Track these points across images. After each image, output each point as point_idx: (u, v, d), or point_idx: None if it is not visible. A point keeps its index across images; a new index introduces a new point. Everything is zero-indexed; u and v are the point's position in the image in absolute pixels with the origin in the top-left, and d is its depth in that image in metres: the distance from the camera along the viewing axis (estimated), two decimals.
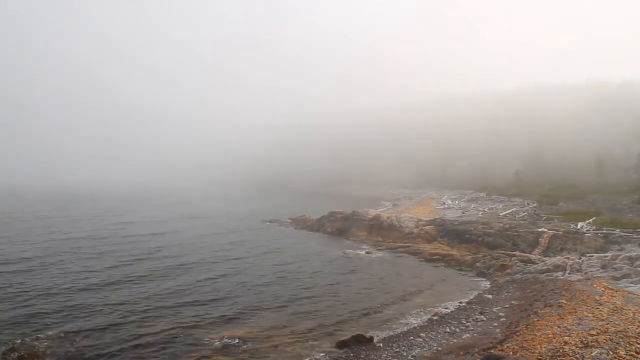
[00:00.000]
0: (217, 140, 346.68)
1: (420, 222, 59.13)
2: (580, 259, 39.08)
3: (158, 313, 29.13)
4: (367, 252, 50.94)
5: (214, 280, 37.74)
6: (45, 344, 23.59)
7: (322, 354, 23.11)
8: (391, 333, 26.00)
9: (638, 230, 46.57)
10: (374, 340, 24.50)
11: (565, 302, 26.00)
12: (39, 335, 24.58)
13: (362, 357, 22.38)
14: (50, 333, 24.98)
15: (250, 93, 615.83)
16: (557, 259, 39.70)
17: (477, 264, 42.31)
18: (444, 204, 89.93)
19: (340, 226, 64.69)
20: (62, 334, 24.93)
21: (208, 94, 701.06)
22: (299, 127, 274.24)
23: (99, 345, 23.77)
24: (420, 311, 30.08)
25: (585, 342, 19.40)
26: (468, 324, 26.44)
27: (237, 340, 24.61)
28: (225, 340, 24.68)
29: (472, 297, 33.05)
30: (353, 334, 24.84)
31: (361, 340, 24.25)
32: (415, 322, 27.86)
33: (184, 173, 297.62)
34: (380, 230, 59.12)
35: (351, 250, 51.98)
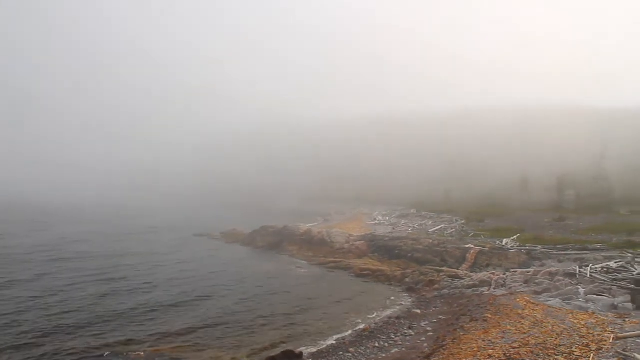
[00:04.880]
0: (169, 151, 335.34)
1: (351, 238, 59.44)
2: (504, 274, 40.20)
3: (81, 328, 28.23)
4: (298, 267, 50.68)
5: (136, 297, 36.58)
6: None
7: None
8: (321, 348, 25.89)
9: (558, 246, 48.52)
10: (304, 356, 24.27)
11: (490, 316, 26.60)
12: None
13: None
14: None
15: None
16: (483, 275, 40.73)
17: (407, 280, 42.84)
18: (375, 219, 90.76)
19: (271, 241, 64.21)
20: None
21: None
22: (234, 135, 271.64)
23: None
24: (350, 326, 30.11)
25: (508, 354, 19.87)
26: (397, 338, 26.61)
27: (162, 358, 23.82)
28: (151, 356, 23.86)
29: (401, 312, 33.34)
30: (282, 350, 24.59)
31: (291, 356, 23.97)
32: (344, 337, 27.83)
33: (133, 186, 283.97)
34: (312, 245, 59.01)
35: (282, 265, 51.59)
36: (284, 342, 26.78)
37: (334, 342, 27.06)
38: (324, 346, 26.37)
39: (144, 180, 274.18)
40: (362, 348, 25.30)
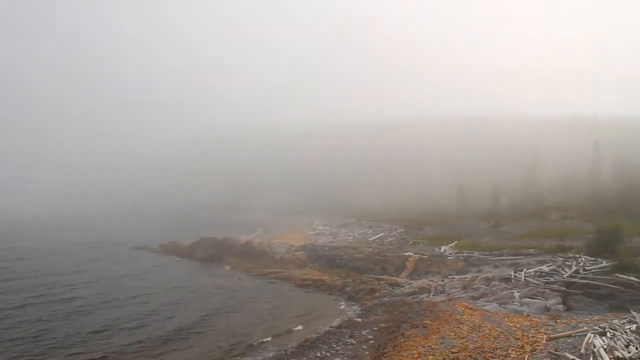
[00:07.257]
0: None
1: (291, 248, 59.22)
2: (443, 280, 40.91)
3: None
4: (238, 279, 49.94)
5: (61, 314, 34.93)
6: None
7: None
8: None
9: (494, 252, 49.82)
10: None
11: (429, 322, 26.88)
12: None
13: None
14: None
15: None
16: (423, 282, 41.33)
17: (347, 289, 42.88)
18: (316, 229, 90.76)
19: (212, 252, 63.09)
20: None
21: None
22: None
23: None
24: (292, 337, 29.83)
25: (448, 359, 20.12)
26: (338, 347, 26.48)
27: None
28: None
29: (342, 321, 33.27)
30: None
31: None
32: (286, 347, 27.47)
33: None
34: (252, 256, 58.31)
35: (222, 278, 50.70)
36: (226, 354, 26.27)
37: (276, 352, 26.73)
38: (266, 357, 26.08)
39: (90, 189, 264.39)
40: (304, 358, 25.05)
